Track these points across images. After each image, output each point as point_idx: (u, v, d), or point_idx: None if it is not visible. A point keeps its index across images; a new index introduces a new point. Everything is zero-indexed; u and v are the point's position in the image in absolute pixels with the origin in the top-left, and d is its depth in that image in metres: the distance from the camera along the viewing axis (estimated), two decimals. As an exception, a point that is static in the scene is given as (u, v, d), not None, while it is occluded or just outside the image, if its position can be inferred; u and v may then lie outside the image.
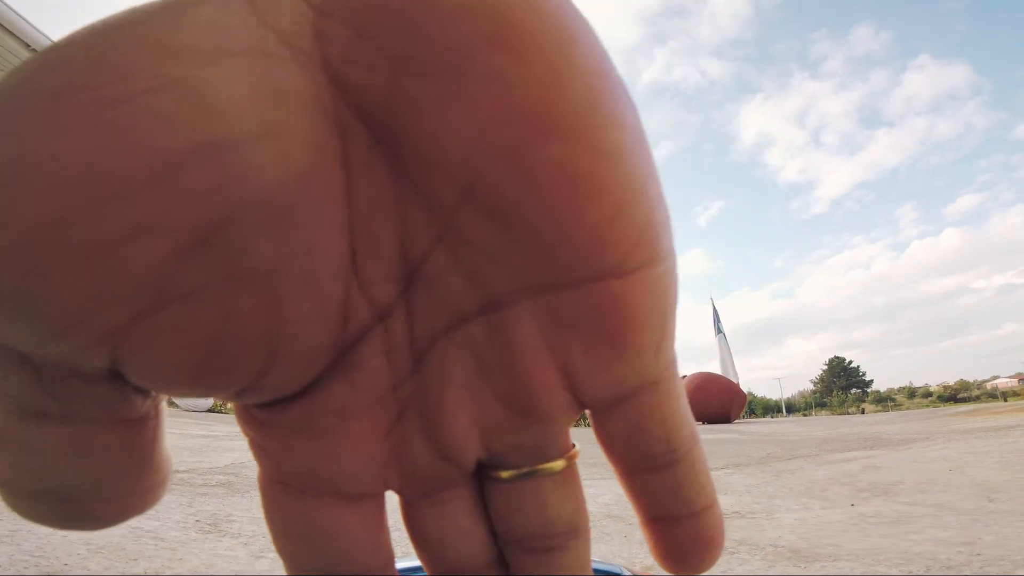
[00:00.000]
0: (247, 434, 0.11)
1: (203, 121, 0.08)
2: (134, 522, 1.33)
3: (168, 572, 1.08)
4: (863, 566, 1.20)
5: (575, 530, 0.12)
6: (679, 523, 0.12)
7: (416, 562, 0.40)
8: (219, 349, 0.09)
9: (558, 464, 0.12)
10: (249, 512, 1.77)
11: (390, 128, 0.09)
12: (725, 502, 2.21)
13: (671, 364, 0.11)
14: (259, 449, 0.11)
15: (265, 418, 0.11)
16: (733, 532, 1.64)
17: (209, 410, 15.04)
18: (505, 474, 0.12)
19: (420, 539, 0.12)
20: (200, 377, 0.09)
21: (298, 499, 0.11)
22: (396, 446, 0.11)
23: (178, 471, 2.74)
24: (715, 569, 1.13)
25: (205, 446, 4.22)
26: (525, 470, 0.11)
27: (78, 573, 1.05)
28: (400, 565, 0.41)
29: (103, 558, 1.12)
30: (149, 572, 1.07)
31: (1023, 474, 2.31)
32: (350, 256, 0.10)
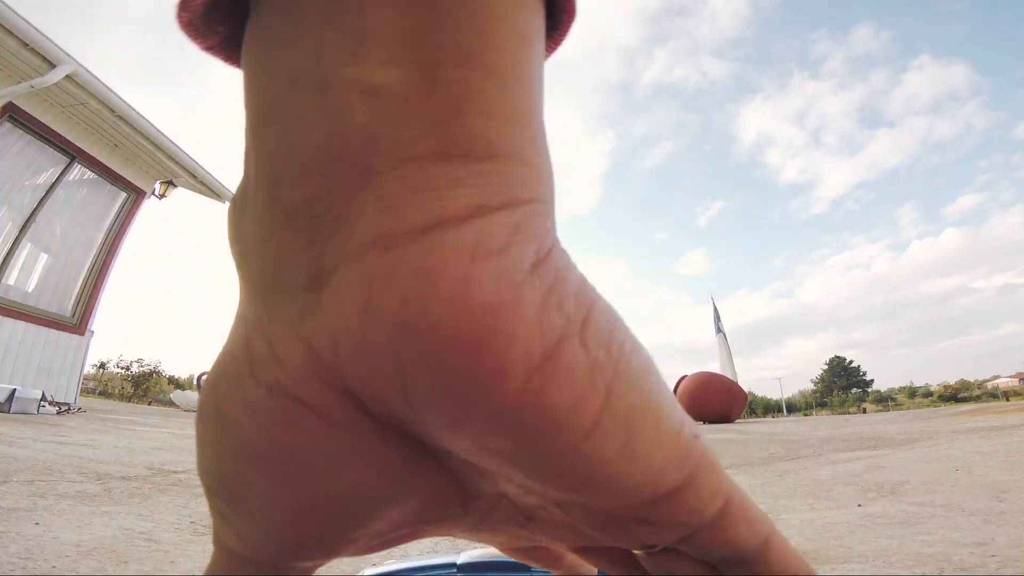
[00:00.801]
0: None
1: None
2: (127, 523, 1.29)
3: (159, 575, 1.04)
4: (874, 568, 1.17)
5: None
6: None
7: (414, 563, 0.39)
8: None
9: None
10: (245, 513, 1.74)
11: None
12: (729, 502, 2.18)
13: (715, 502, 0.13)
14: None
15: None
16: (739, 533, 1.62)
17: (209, 410, 14.92)
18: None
19: None
20: None
21: None
22: None
23: (175, 472, 2.71)
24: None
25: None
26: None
27: (67, 575, 1.01)
28: (400, 566, 0.39)
29: (93, 560, 1.09)
30: (140, 574, 1.04)
31: (1031, 474, 2.28)
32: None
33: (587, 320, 0.11)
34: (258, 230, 0.11)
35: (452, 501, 0.14)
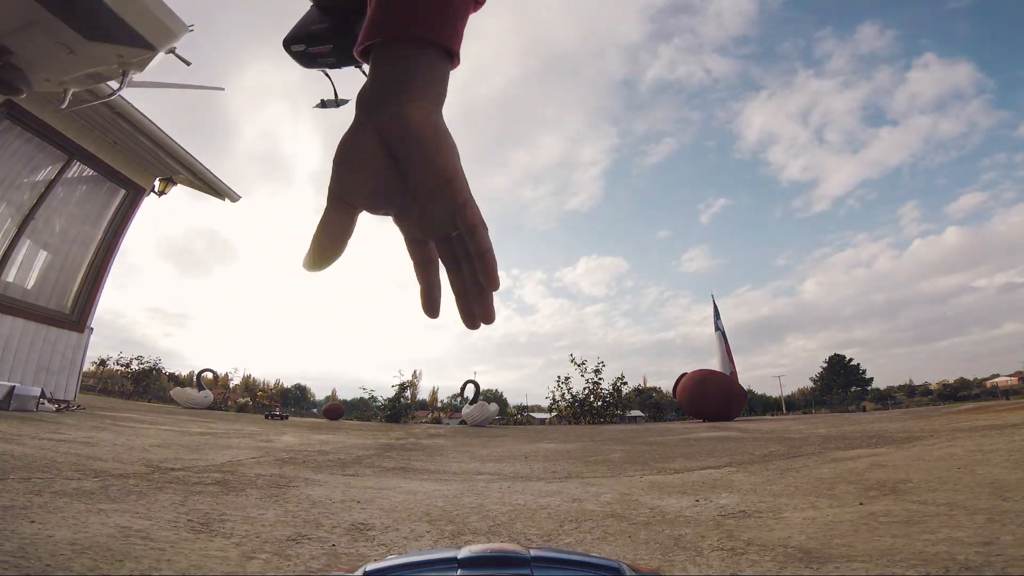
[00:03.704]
0: None
1: None
2: (123, 521, 1.27)
3: (155, 573, 1.03)
4: (878, 567, 1.16)
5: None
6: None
7: (415, 558, 0.38)
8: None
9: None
10: (243, 511, 1.72)
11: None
12: (730, 502, 2.16)
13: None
14: None
15: None
16: (741, 532, 1.60)
17: (209, 408, 14.97)
18: None
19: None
20: None
21: None
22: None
23: (173, 469, 2.69)
24: (724, 569, 1.07)
25: (203, 443, 4.17)
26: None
27: (61, 574, 1.00)
28: (400, 560, 0.38)
29: (88, 559, 1.07)
30: (135, 573, 1.03)
31: (1034, 472, 2.26)
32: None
33: (437, 125, 0.44)
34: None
35: (395, 192, 0.45)
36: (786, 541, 1.45)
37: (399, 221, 0.47)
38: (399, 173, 0.44)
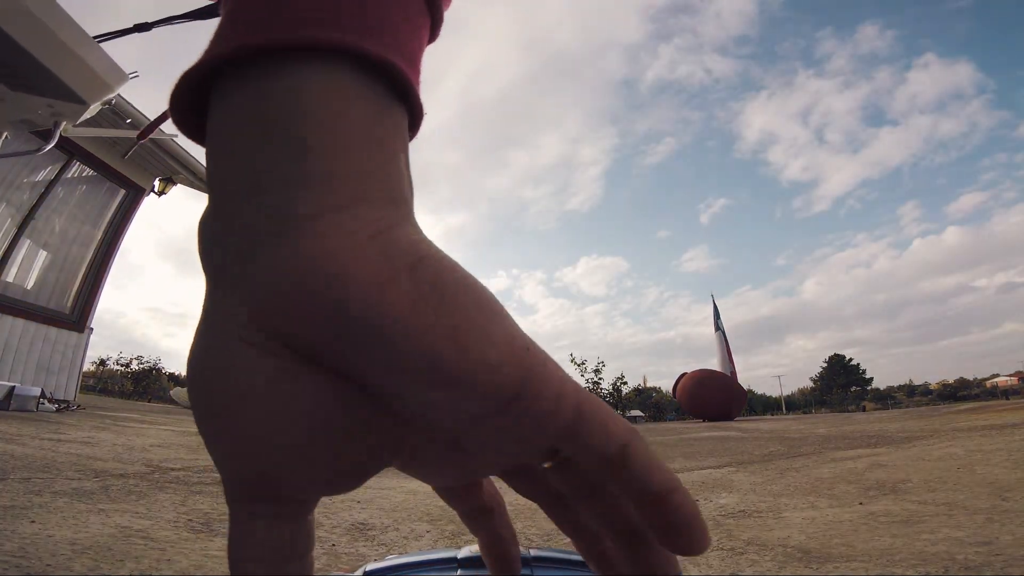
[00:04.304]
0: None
1: None
2: (124, 521, 1.28)
3: (156, 573, 1.03)
4: (878, 567, 1.16)
5: None
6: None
7: (415, 558, 0.37)
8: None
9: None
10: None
11: None
12: (730, 501, 2.16)
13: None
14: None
15: None
16: (740, 532, 1.60)
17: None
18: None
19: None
20: None
21: None
22: None
23: (173, 469, 2.69)
24: (724, 569, 1.08)
25: (203, 444, 4.18)
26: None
27: (61, 574, 1.00)
28: (400, 561, 0.37)
29: (88, 559, 1.08)
30: (136, 573, 1.03)
31: (1034, 472, 2.27)
32: None
33: (415, 266, 0.16)
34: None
35: (385, 432, 0.18)
36: (785, 541, 1.45)
37: (412, 472, 0.21)
38: (380, 408, 0.18)
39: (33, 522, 1.34)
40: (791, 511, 1.89)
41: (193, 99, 0.18)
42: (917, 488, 2.14)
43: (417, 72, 0.20)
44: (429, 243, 0.17)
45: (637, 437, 0.16)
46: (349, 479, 0.18)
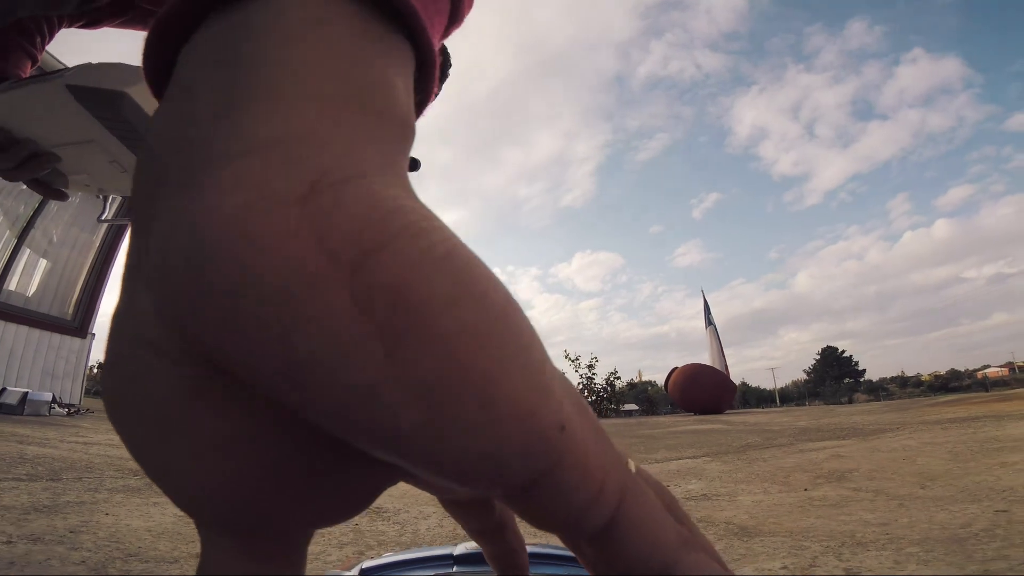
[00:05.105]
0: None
1: None
2: (179, 511, 1.62)
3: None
4: (793, 541, 1.45)
5: None
6: None
7: (412, 554, 0.41)
8: None
9: None
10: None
11: None
12: (696, 487, 2.46)
13: None
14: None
15: None
16: (697, 511, 1.89)
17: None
18: None
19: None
20: None
21: None
22: None
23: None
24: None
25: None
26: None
27: (152, 553, 1.26)
28: (397, 557, 0.40)
29: (166, 542, 1.34)
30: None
31: (965, 463, 2.56)
32: None
33: (365, 265, 0.09)
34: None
35: (357, 469, 0.12)
36: (731, 519, 1.74)
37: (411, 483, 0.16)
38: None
39: (107, 515, 1.61)
40: (744, 495, 2.19)
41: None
42: (859, 477, 2.44)
43: (432, 16, 0.15)
44: (414, 210, 0.11)
45: (689, 552, 0.12)
46: (324, 516, 0.12)
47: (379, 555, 0.39)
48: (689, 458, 3.75)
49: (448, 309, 0.10)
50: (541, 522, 0.12)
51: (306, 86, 0.11)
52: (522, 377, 0.10)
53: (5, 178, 0.49)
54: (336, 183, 0.10)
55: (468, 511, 0.20)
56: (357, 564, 0.38)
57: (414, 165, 0.56)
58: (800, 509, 1.84)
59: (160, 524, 1.50)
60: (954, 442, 3.36)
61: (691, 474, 2.90)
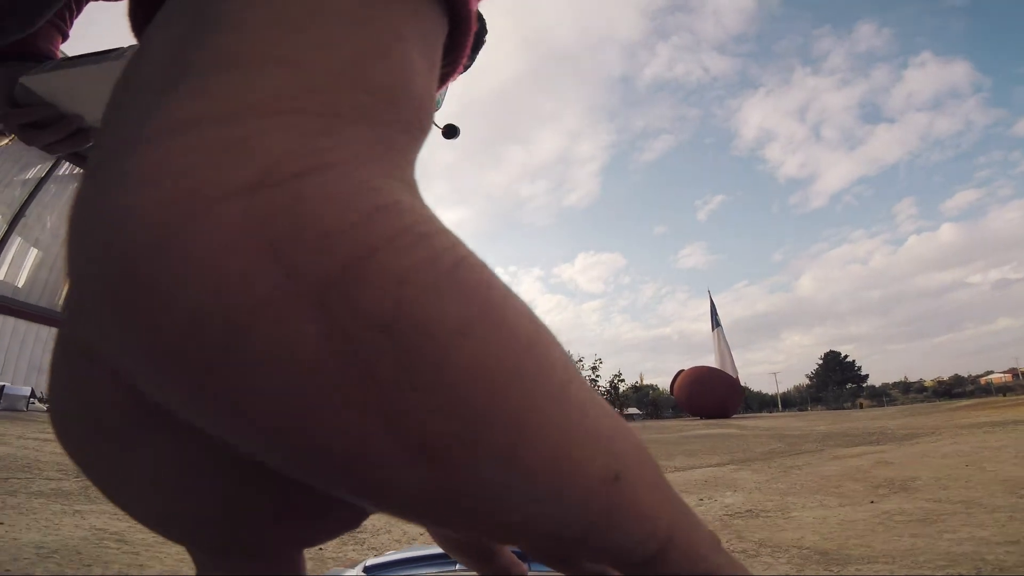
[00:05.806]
0: None
1: None
2: (99, 523, 1.19)
3: (127, 580, 0.96)
4: (904, 568, 1.10)
5: None
6: None
7: (414, 552, 0.41)
8: None
9: None
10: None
11: None
12: (734, 501, 2.10)
13: None
14: None
15: None
16: (751, 533, 1.53)
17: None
18: None
19: None
20: None
21: None
22: None
23: (159, 468, 2.63)
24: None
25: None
26: None
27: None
28: (400, 555, 0.37)
29: (53, 563, 1.00)
30: (106, 580, 0.95)
31: (1046, 469, 2.22)
32: None
33: (340, 284, 0.07)
34: None
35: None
36: (799, 542, 1.38)
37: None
38: None
39: (1, 523, 1.26)
40: (800, 510, 1.83)
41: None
42: (927, 486, 2.09)
43: None
44: (412, 209, 0.09)
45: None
46: (309, 538, 0.11)
47: (382, 552, 0.23)
48: (714, 466, 3.40)
49: (460, 341, 0.07)
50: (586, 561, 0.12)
51: (275, 51, 0.09)
52: (559, 424, 0.08)
53: (47, 151, 0.48)
54: (302, 172, 0.08)
55: (475, 557, 0.17)
56: (360, 562, 0.38)
57: (451, 132, 0.49)
58: (882, 526, 1.48)
59: (59, 539, 1.15)
60: (1014, 446, 3.02)
61: (722, 485, 2.54)
